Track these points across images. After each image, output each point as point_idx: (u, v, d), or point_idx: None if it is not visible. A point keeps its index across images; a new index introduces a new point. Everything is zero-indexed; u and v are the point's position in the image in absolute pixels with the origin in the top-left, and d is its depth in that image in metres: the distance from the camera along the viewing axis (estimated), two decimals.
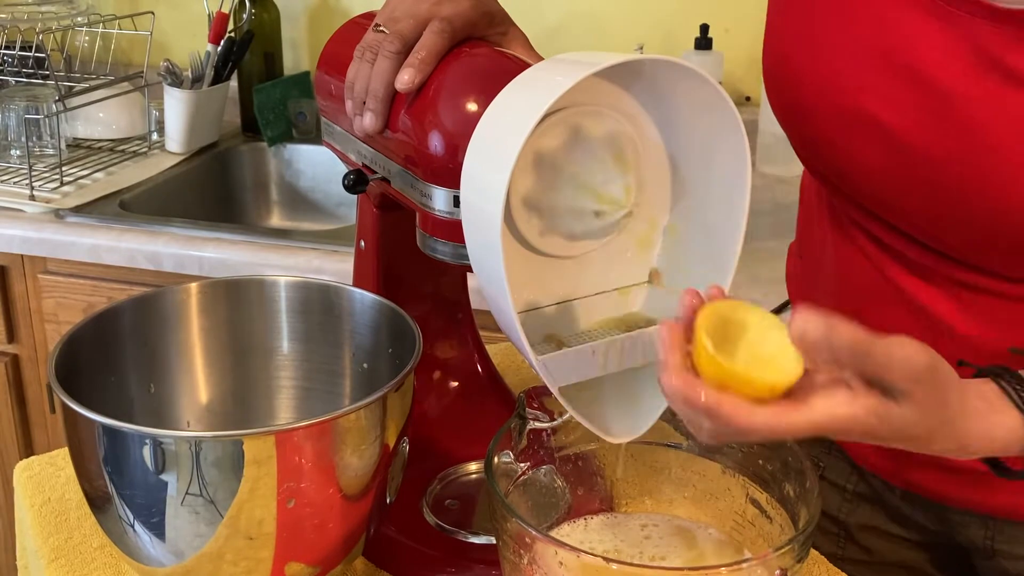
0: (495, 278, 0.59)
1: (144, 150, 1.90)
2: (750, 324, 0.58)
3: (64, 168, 1.75)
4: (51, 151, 1.82)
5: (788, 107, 0.80)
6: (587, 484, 0.76)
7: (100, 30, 1.89)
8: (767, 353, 0.57)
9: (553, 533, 0.71)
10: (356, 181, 0.78)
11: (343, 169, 0.81)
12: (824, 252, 0.88)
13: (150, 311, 0.80)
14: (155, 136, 1.93)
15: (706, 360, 0.56)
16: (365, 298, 0.80)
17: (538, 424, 0.71)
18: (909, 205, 0.73)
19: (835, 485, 0.95)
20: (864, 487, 0.93)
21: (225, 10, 1.88)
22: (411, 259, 0.78)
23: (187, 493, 0.63)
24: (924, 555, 0.94)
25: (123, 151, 1.90)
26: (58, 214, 1.61)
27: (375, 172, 0.78)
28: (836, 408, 0.55)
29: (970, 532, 0.86)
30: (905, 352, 0.55)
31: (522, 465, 0.72)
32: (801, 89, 0.77)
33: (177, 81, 1.85)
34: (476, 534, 0.80)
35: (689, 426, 0.58)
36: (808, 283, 0.94)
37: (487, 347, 0.93)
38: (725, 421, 0.55)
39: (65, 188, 1.69)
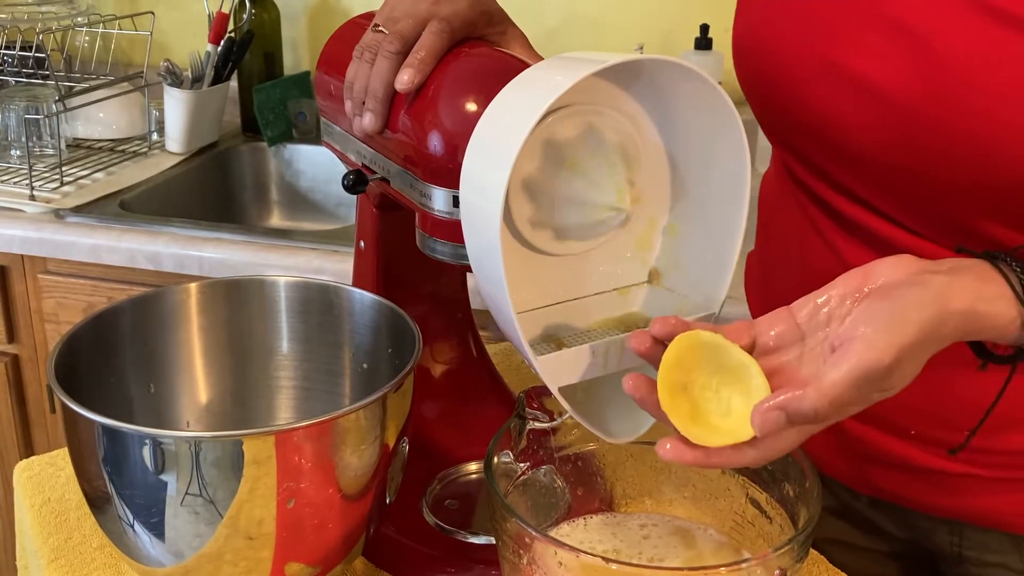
0: (494, 278, 0.59)
1: (144, 150, 1.90)
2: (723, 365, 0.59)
3: (64, 168, 1.75)
4: (51, 151, 1.82)
5: (760, 75, 0.78)
6: (587, 484, 0.76)
7: (100, 30, 1.89)
8: (731, 405, 0.59)
9: (552, 533, 0.71)
10: (356, 181, 0.78)
11: (343, 169, 0.81)
12: (788, 249, 0.87)
13: (150, 311, 0.80)
14: (155, 136, 1.93)
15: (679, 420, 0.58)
16: (365, 298, 0.80)
17: (538, 424, 0.71)
18: (891, 160, 0.72)
19: None
20: (830, 499, 0.92)
21: (225, 10, 1.88)
22: (411, 259, 0.78)
23: (187, 493, 0.63)
24: (892, 566, 0.93)
25: (123, 151, 1.90)
26: (58, 214, 1.61)
27: (375, 172, 0.78)
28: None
29: (937, 538, 0.86)
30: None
31: (522, 465, 0.72)
32: (774, 54, 0.76)
33: (177, 81, 1.85)
34: (476, 534, 0.80)
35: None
36: (770, 281, 0.92)
37: (487, 347, 0.93)
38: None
39: (65, 188, 1.69)
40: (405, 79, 0.69)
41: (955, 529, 0.84)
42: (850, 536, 0.92)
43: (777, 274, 0.90)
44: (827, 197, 0.80)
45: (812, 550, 0.84)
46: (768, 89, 0.78)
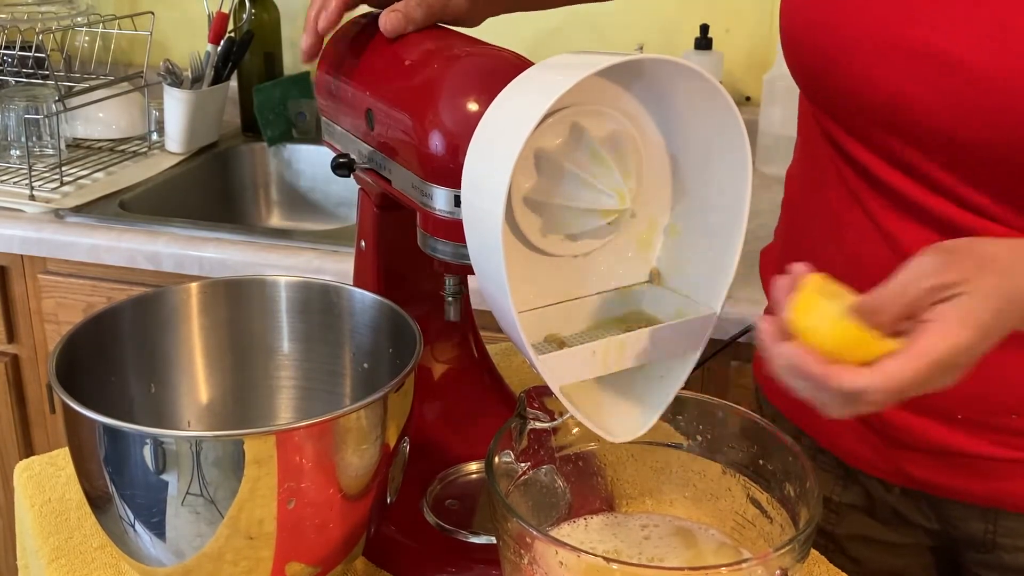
0: (496, 278, 0.59)
1: (144, 150, 1.90)
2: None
3: (64, 168, 1.74)
4: (51, 151, 1.82)
5: (819, 54, 0.77)
6: (587, 484, 0.76)
7: (100, 30, 1.89)
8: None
9: (553, 533, 0.71)
10: (340, 164, 0.78)
11: None
12: (823, 237, 0.86)
13: (150, 311, 0.80)
14: (155, 136, 1.93)
15: (825, 321, 0.57)
16: (365, 298, 0.80)
17: (538, 424, 0.71)
18: (966, 135, 0.72)
19: None
20: (854, 495, 0.93)
21: (225, 10, 1.88)
22: (411, 259, 0.78)
23: (187, 493, 0.63)
24: (915, 561, 0.93)
25: (123, 151, 1.90)
26: (58, 214, 1.61)
27: (377, 173, 0.78)
28: (943, 338, 0.57)
29: (970, 526, 0.86)
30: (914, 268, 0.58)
31: (522, 465, 0.72)
32: (837, 32, 0.75)
33: (177, 81, 1.85)
34: (476, 534, 0.80)
35: (814, 403, 0.59)
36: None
37: (487, 347, 0.93)
38: (839, 386, 0.56)
39: (65, 188, 1.69)
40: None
41: (989, 516, 0.85)
42: (874, 531, 0.93)
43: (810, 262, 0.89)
44: (885, 176, 0.79)
45: (813, 549, 0.84)
46: (828, 68, 0.77)
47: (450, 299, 0.80)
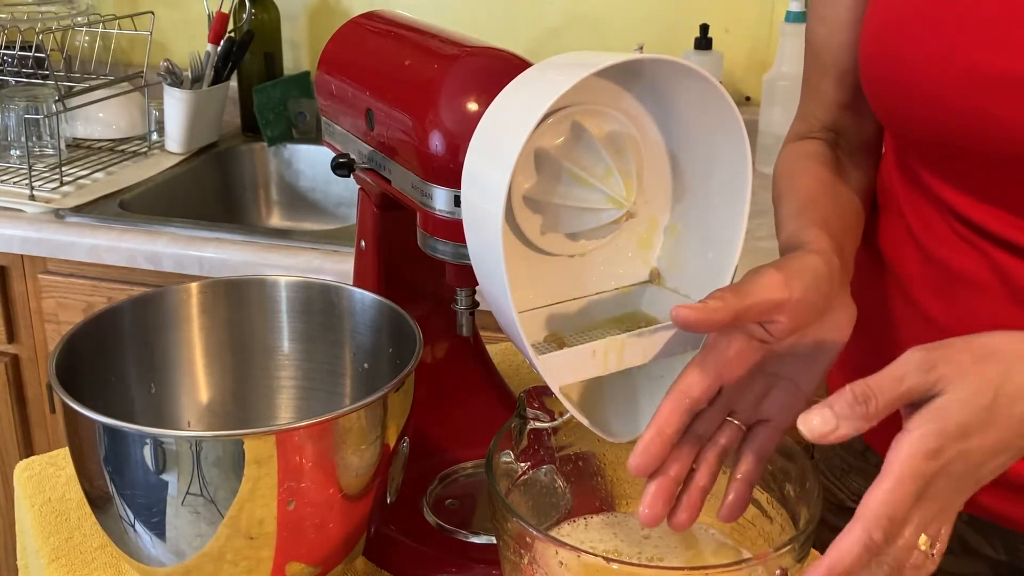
0: (496, 278, 0.59)
1: (144, 150, 1.90)
2: None
3: (64, 168, 1.75)
4: (51, 151, 1.82)
5: (899, 90, 0.74)
6: (587, 484, 0.76)
7: (100, 30, 1.89)
8: None
9: (553, 533, 0.71)
10: (340, 164, 0.78)
11: None
12: (904, 252, 0.83)
13: (150, 311, 0.80)
14: (155, 136, 1.93)
15: None
16: (365, 298, 0.80)
17: (538, 424, 0.71)
18: None
19: None
20: None
21: (225, 10, 1.88)
22: (411, 259, 0.78)
23: (188, 493, 0.63)
24: None
25: (123, 151, 1.90)
26: (58, 214, 1.61)
27: (377, 173, 0.78)
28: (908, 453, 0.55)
29: None
30: None
31: (522, 465, 0.72)
32: (914, 65, 0.72)
33: (177, 81, 1.85)
34: (476, 534, 0.80)
35: None
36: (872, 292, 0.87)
37: (487, 347, 0.93)
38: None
39: (65, 188, 1.69)
40: None
41: None
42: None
43: (885, 275, 0.85)
44: (960, 207, 0.76)
45: (813, 550, 0.84)
46: (911, 103, 0.74)
47: (463, 311, 0.80)
